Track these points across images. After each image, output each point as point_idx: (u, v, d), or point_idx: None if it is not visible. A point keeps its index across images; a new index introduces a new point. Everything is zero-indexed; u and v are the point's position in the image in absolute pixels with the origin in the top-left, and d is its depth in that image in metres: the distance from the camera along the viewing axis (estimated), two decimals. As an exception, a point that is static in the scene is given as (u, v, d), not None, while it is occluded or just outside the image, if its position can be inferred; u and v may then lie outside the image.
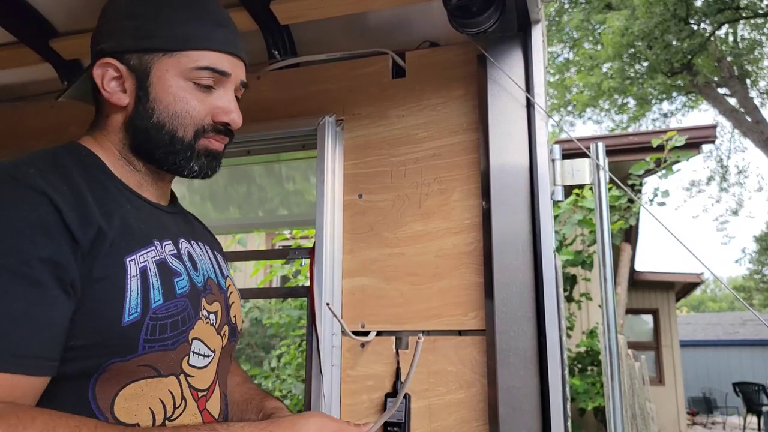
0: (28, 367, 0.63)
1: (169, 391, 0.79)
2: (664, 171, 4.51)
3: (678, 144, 4.42)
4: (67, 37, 1.51)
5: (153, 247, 0.81)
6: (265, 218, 2.37)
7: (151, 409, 0.76)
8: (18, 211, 0.68)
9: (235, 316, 0.99)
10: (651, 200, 4.66)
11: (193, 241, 0.95)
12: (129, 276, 0.74)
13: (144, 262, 0.78)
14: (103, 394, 0.73)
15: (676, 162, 4.51)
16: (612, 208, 4.36)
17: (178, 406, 0.80)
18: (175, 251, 0.86)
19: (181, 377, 0.81)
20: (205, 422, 0.79)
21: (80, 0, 1.40)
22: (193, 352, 0.83)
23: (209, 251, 0.99)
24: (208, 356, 0.87)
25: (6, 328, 0.62)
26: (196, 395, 0.83)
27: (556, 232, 4.24)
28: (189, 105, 0.85)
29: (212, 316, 0.89)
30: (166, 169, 0.89)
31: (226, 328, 0.94)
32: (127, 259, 0.75)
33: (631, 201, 4.28)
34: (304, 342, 4.29)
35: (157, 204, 0.91)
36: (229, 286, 1.01)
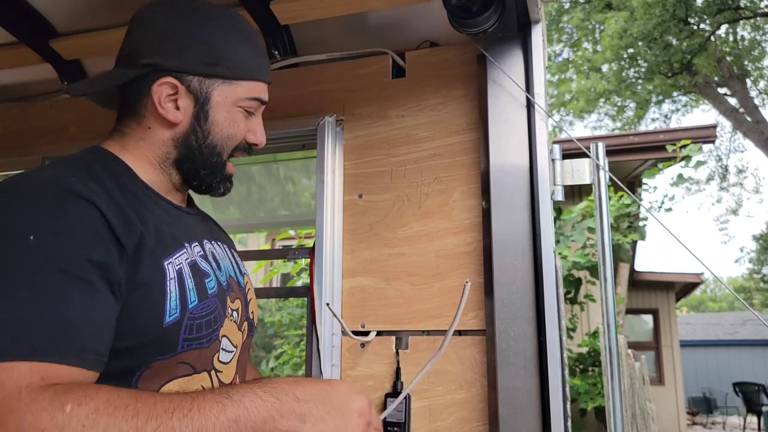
0: (85, 360, 0.66)
1: (202, 386, 0.83)
2: (674, 178, 4.53)
3: (692, 153, 4.44)
4: (67, 37, 1.51)
5: (185, 250, 0.85)
6: (266, 218, 2.37)
7: None
8: (67, 218, 0.71)
9: (253, 312, 1.03)
10: (659, 207, 4.66)
11: (213, 241, 0.97)
12: (168, 279, 0.78)
13: (179, 264, 0.81)
14: (146, 386, 0.77)
15: (687, 158, 4.52)
16: (622, 215, 4.37)
17: None
18: (202, 252, 0.90)
19: (212, 373, 0.85)
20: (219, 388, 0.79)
21: (80, 0, 1.40)
22: (222, 349, 0.87)
23: (227, 250, 1.02)
24: (232, 352, 0.91)
25: (65, 324, 0.65)
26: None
27: (567, 236, 4.24)
28: (238, 129, 0.92)
29: (235, 314, 0.93)
30: (202, 187, 0.95)
31: (245, 324, 0.98)
32: (165, 263, 0.79)
33: (635, 204, 4.28)
34: (302, 342, 4.30)
35: (180, 206, 0.95)
36: (247, 282, 1.05)
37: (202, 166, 0.91)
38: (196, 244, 0.89)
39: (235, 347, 0.92)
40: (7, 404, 0.58)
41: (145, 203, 0.84)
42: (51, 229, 0.69)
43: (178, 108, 0.87)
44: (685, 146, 4.50)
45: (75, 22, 1.48)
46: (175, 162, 0.90)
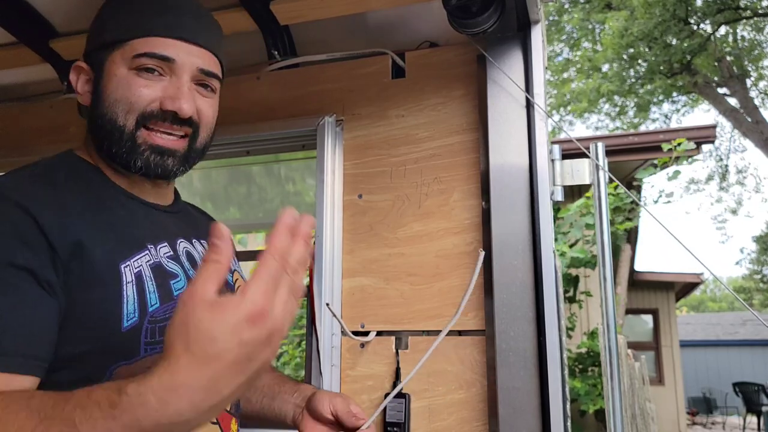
0: (13, 365, 0.63)
1: None
2: (670, 173, 4.54)
3: (688, 149, 4.45)
4: (67, 37, 1.51)
5: (147, 251, 0.81)
6: (265, 218, 2.37)
7: None
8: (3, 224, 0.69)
9: None
10: (656, 201, 4.67)
11: (194, 240, 0.94)
12: (124, 282, 0.75)
13: (138, 267, 0.78)
14: None
15: (683, 157, 4.53)
16: (617, 209, 4.38)
17: None
18: (171, 253, 0.86)
19: None
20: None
21: (80, 0, 1.40)
22: None
23: None
24: None
25: None
26: None
27: (564, 234, 4.24)
28: (129, 91, 0.82)
29: None
30: (118, 164, 0.85)
31: None
32: (122, 266, 0.76)
33: (635, 203, 4.28)
34: (303, 341, 4.30)
35: (155, 204, 0.91)
36: (237, 280, 1.01)
37: (103, 138, 0.83)
38: (165, 244, 0.85)
39: None
40: None
41: (108, 204, 0.81)
42: None
43: (89, 90, 0.86)
44: (679, 144, 4.51)
45: (75, 22, 1.48)
46: (94, 144, 0.85)
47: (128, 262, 0.77)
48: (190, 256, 0.90)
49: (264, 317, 0.50)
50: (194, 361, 0.49)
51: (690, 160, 4.61)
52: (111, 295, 0.73)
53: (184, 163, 0.89)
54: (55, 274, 0.69)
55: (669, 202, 4.72)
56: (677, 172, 4.51)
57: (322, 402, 0.96)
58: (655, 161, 4.72)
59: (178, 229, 0.93)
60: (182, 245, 0.90)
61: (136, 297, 0.75)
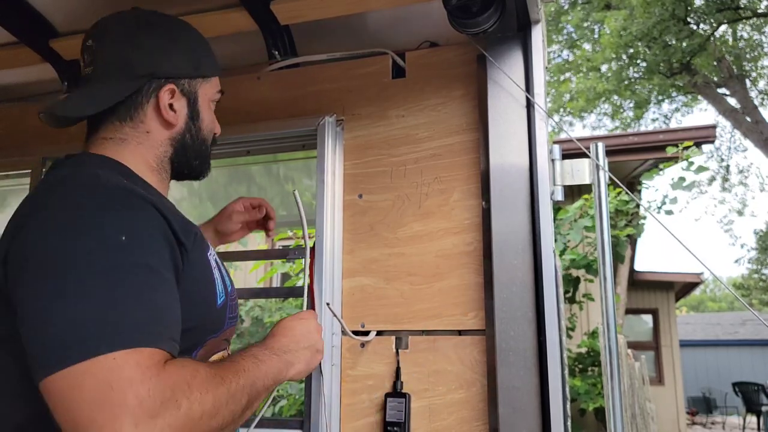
0: (173, 347, 0.73)
1: (223, 357, 0.97)
2: (675, 179, 4.51)
3: (694, 155, 4.43)
4: (67, 37, 1.51)
5: (207, 241, 0.96)
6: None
7: None
8: (147, 221, 0.78)
9: None
10: (659, 208, 4.62)
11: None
12: (213, 269, 0.92)
13: (214, 256, 0.96)
14: (200, 359, 0.88)
15: (689, 162, 4.50)
16: (620, 212, 4.36)
17: None
18: (209, 244, 1.00)
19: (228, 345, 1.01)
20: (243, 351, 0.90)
21: (80, 0, 1.40)
22: None
23: None
24: None
25: (159, 314, 0.72)
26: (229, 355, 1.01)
27: (563, 235, 4.23)
28: (213, 120, 1.04)
29: None
30: (192, 175, 1.05)
31: None
32: (209, 255, 0.93)
33: (636, 205, 4.27)
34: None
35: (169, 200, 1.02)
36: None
37: (194, 158, 1.01)
38: (204, 236, 0.97)
39: None
40: (134, 381, 0.64)
41: (170, 207, 0.91)
42: (135, 229, 0.76)
43: (174, 110, 0.95)
44: (687, 148, 4.48)
45: (75, 22, 1.48)
46: (171, 159, 0.98)
47: (210, 252, 0.94)
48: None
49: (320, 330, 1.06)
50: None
51: (698, 168, 4.55)
52: (209, 279, 0.90)
53: None
54: (182, 267, 0.82)
55: (671, 212, 4.65)
56: (682, 179, 4.47)
57: (227, 227, 1.35)
58: (660, 164, 4.69)
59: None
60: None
61: (220, 280, 0.93)
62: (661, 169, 4.82)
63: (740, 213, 15.82)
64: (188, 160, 1.00)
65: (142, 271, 0.72)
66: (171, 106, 0.95)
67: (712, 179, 14.72)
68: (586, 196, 4.14)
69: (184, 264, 0.82)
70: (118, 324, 0.67)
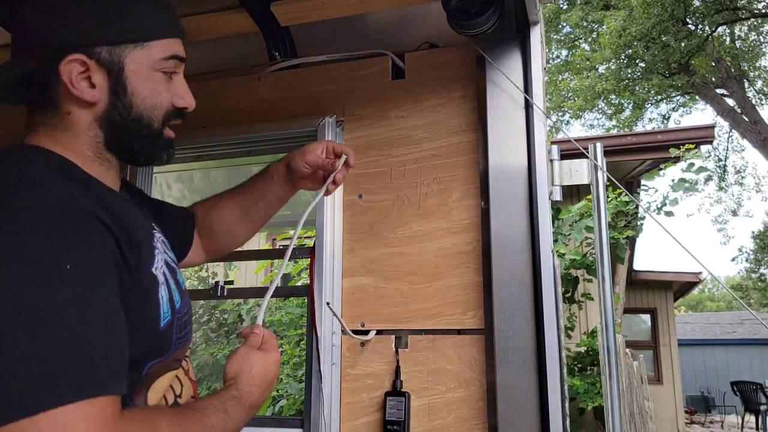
0: (123, 385, 0.65)
1: (176, 376, 0.85)
2: (675, 180, 4.52)
3: (696, 157, 4.43)
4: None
5: (156, 249, 0.82)
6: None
7: (164, 396, 0.82)
8: (90, 244, 0.67)
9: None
10: (659, 209, 4.62)
11: (154, 223, 0.91)
12: (160, 284, 0.79)
13: (161, 267, 0.81)
14: (140, 390, 0.78)
15: (690, 164, 4.51)
16: (620, 213, 4.37)
17: (182, 385, 0.87)
18: (159, 244, 0.86)
19: (183, 362, 0.88)
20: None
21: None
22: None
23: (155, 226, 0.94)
24: None
25: (108, 351, 0.64)
26: (186, 372, 0.90)
27: (565, 235, 4.24)
28: (162, 96, 0.84)
29: None
30: (141, 161, 0.89)
31: None
32: (153, 269, 0.79)
33: (636, 206, 4.27)
34: (302, 341, 4.30)
35: (123, 196, 0.87)
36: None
37: (134, 140, 0.83)
38: (152, 234, 0.85)
39: None
40: None
41: (111, 205, 0.76)
42: (78, 256, 0.65)
43: (93, 86, 0.78)
44: (689, 150, 4.49)
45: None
46: (107, 144, 0.82)
47: (155, 264, 0.79)
48: (163, 243, 0.88)
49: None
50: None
51: (698, 168, 4.56)
52: (152, 299, 0.77)
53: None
54: (126, 287, 0.72)
55: (671, 213, 4.65)
56: (682, 181, 4.48)
57: (298, 165, 1.11)
58: (661, 165, 4.69)
59: (143, 215, 0.89)
60: (156, 234, 0.87)
61: (167, 298, 0.80)
62: (661, 169, 4.82)
63: (735, 213, 15.84)
64: (126, 144, 0.83)
65: (94, 306, 0.64)
66: (90, 80, 0.78)
67: (709, 178, 14.74)
68: (589, 196, 4.15)
69: (127, 283, 0.71)
70: (64, 371, 0.58)
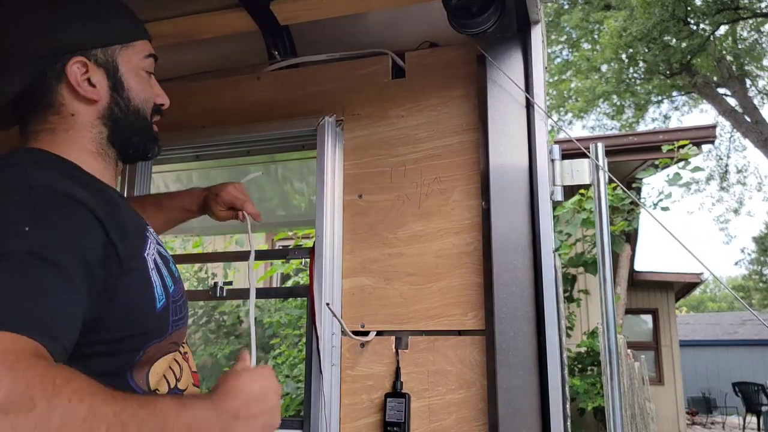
0: (57, 349, 0.63)
1: (175, 359, 0.89)
2: (670, 175, 4.52)
3: (691, 153, 4.44)
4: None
5: (149, 239, 0.87)
6: (264, 218, 2.37)
7: (165, 377, 0.86)
8: (65, 217, 0.71)
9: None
10: (655, 204, 4.63)
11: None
12: (150, 269, 0.82)
13: (153, 254, 0.85)
14: (140, 370, 0.81)
15: (684, 160, 4.51)
16: (615, 209, 4.37)
17: (182, 368, 0.91)
18: (154, 237, 0.90)
19: (181, 347, 0.93)
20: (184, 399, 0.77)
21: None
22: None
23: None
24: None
25: (54, 313, 0.64)
26: (185, 357, 0.94)
27: (559, 231, 4.24)
28: (149, 91, 0.93)
29: None
30: (139, 154, 0.95)
31: None
32: (145, 254, 0.83)
33: (634, 204, 4.27)
34: (300, 342, 4.30)
35: (116, 191, 0.92)
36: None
37: (134, 133, 0.91)
38: (148, 229, 0.89)
39: None
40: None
41: (109, 198, 0.82)
42: (50, 226, 0.68)
43: (93, 85, 0.85)
44: (682, 146, 4.50)
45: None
46: (110, 139, 0.89)
47: (147, 251, 0.84)
48: (154, 235, 0.91)
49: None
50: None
51: (694, 168, 4.57)
52: (146, 281, 0.81)
53: None
54: (113, 273, 0.74)
55: (667, 209, 4.65)
56: (678, 176, 4.48)
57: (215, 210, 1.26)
58: (656, 162, 4.69)
59: (136, 212, 0.94)
60: (149, 228, 0.92)
61: (159, 281, 0.84)
62: (656, 166, 4.82)
63: (736, 212, 15.83)
64: (127, 137, 0.90)
65: (41, 265, 0.64)
66: (89, 80, 0.85)
67: (710, 178, 14.73)
68: (582, 191, 4.14)
69: (118, 270, 0.74)
70: None
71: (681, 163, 4.54)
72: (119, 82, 0.88)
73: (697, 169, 4.60)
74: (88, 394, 0.58)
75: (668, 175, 4.52)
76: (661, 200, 4.63)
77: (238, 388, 0.75)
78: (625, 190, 1.27)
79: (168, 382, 0.86)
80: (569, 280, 4.66)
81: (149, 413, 0.63)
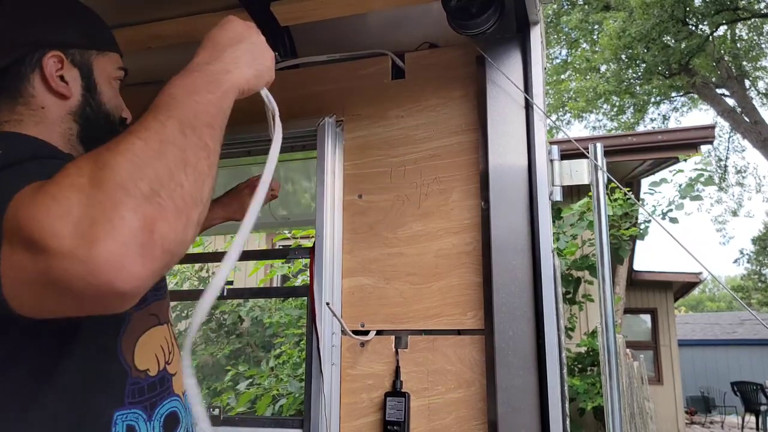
0: None
1: (164, 337, 0.91)
2: (681, 185, 4.53)
3: (706, 166, 4.47)
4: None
5: None
6: (264, 218, 2.38)
7: (156, 355, 0.87)
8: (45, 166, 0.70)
9: None
10: (664, 214, 4.61)
11: None
12: None
13: None
14: (127, 345, 0.83)
15: (685, 160, 4.52)
16: (626, 215, 4.37)
17: (171, 351, 0.92)
18: None
19: (168, 325, 0.94)
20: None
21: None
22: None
23: None
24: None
25: None
26: (172, 336, 0.95)
27: (563, 232, 4.25)
28: (118, 101, 0.95)
29: None
30: None
31: None
32: None
33: (633, 204, 4.28)
34: (301, 341, 4.30)
35: None
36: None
37: (104, 134, 0.89)
38: None
39: None
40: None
41: None
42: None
43: (65, 82, 0.86)
44: (695, 156, 4.53)
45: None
46: (78, 135, 0.89)
47: None
48: None
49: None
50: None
51: (707, 179, 4.59)
52: None
53: None
54: None
55: (676, 220, 4.63)
56: (690, 187, 4.49)
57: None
58: (670, 170, 4.71)
59: None
60: None
61: None
62: (672, 172, 4.83)
63: (735, 213, 15.84)
64: (99, 136, 0.89)
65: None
66: (62, 77, 0.86)
67: (710, 179, 14.72)
68: (590, 194, 4.16)
69: None
70: None
71: (693, 175, 4.57)
72: (92, 85, 0.90)
73: (709, 181, 4.62)
74: (136, 137, 0.57)
75: (680, 185, 4.54)
76: (671, 210, 4.61)
77: (205, 41, 0.77)
78: (626, 192, 1.28)
79: (158, 360, 0.88)
80: (573, 282, 4.66)
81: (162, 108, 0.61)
